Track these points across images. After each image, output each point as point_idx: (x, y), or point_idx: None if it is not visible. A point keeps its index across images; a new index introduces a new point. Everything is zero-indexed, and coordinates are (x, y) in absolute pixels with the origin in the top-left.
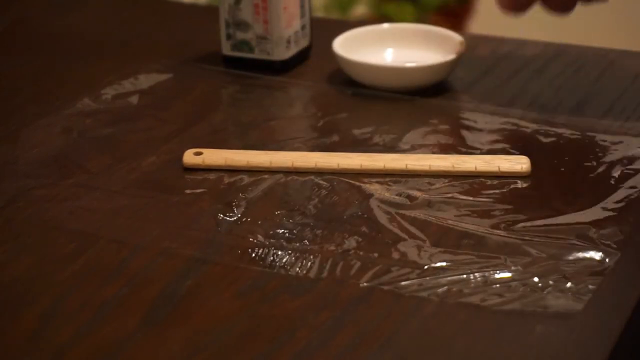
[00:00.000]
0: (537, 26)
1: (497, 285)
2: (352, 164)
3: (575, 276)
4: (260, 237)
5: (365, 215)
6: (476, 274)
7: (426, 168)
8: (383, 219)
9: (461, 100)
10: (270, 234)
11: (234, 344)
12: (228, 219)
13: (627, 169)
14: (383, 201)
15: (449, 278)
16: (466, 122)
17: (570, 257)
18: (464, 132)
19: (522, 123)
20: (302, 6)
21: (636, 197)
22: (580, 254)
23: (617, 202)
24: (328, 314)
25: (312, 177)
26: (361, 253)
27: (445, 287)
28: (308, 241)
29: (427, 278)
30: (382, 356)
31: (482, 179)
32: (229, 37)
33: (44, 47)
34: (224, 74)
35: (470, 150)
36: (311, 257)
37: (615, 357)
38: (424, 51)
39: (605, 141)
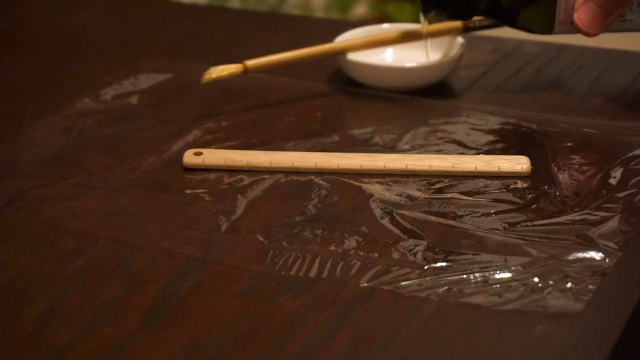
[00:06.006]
0: None
1: (497, 285)
2: (352, 164)
3: (575, 276)
4: (260, 237)
5: (366, 216)
6: (476, 274)
7: (426, 168)
8: (383, 219)
9: (461, 100)
10: (270, 234)
11: (234, 344)
12: (228, 219)
13: (627, 169)
14: (383, 201)
15: (449, 278)
16: (466, 122)
17: (570, 257)
18: (464, 132)
19: (522, 123)
20: None
21: (637, 197)
22: (580, 254)
23: (618, 202)
24: (328, 314)
25: (312, 177)
26: (361, 253)
27: (445, 287)
28: (308, 241)
29: (427, 278)
30: (382, 356)
31: (482, 179)
32: None
33: (44, 47)
34: None
35: (470, 150)
36: (311, 257)
37: (615, 357)
38: (424, 51)
39: (605, 141)
